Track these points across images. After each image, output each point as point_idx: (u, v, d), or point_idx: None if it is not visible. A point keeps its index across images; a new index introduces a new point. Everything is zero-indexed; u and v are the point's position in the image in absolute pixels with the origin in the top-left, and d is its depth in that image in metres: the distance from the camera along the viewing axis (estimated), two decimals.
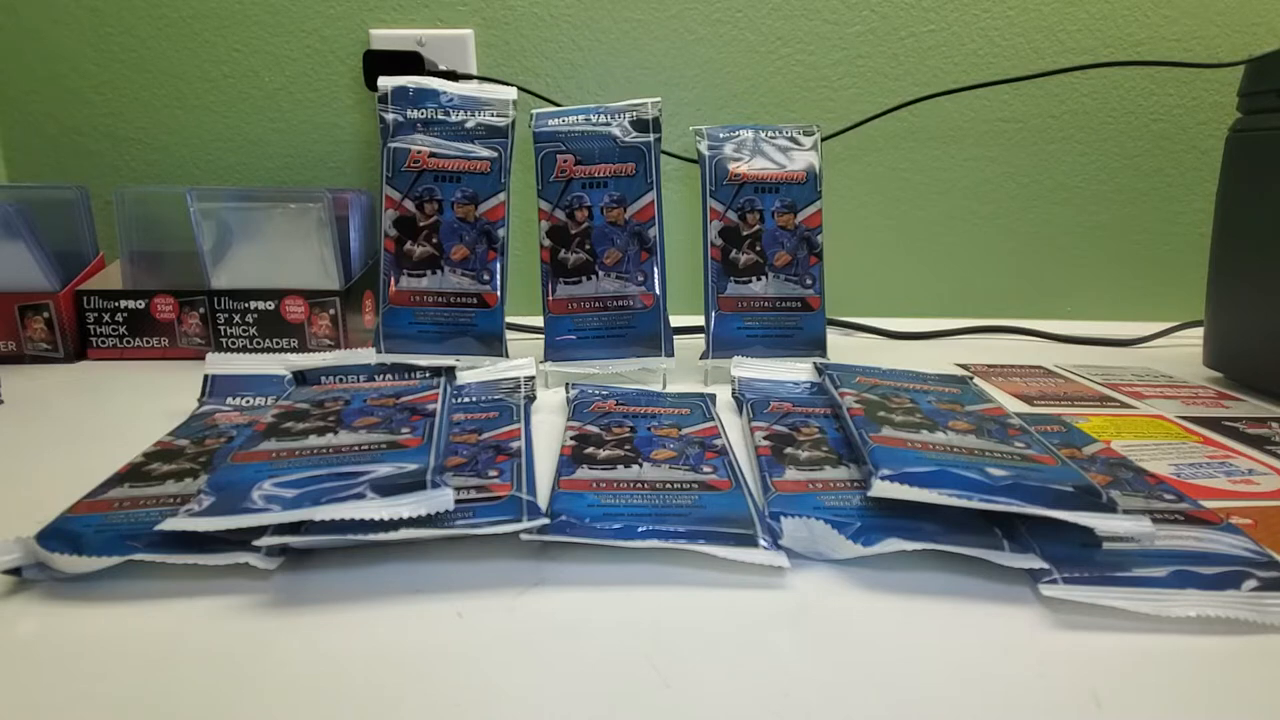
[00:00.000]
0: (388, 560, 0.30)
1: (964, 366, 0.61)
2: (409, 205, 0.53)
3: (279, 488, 0.29)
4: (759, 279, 0.55)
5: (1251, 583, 0.27)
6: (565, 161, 0.53)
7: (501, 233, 0.54)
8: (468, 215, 0.53)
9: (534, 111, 0.55)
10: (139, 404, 0.49)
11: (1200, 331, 0.59)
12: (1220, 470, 0.39)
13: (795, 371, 0.50)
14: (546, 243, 0.53)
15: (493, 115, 0.55)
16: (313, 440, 0.33)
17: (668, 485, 0.33)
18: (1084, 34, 0.74)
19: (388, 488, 0.29)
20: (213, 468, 0.34)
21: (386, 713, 0.22)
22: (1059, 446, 0.38)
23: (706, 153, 0.56)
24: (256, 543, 0.28)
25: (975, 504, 0.29)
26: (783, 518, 0.31)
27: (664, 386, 0.52)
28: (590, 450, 0.37)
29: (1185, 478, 0.38)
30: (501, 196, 0.54)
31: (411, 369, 0.44)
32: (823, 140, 0.59)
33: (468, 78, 0.73)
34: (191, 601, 0.27)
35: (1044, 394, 0.53)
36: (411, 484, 0.29)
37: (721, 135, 0.57)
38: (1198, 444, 0.43)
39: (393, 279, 0.53)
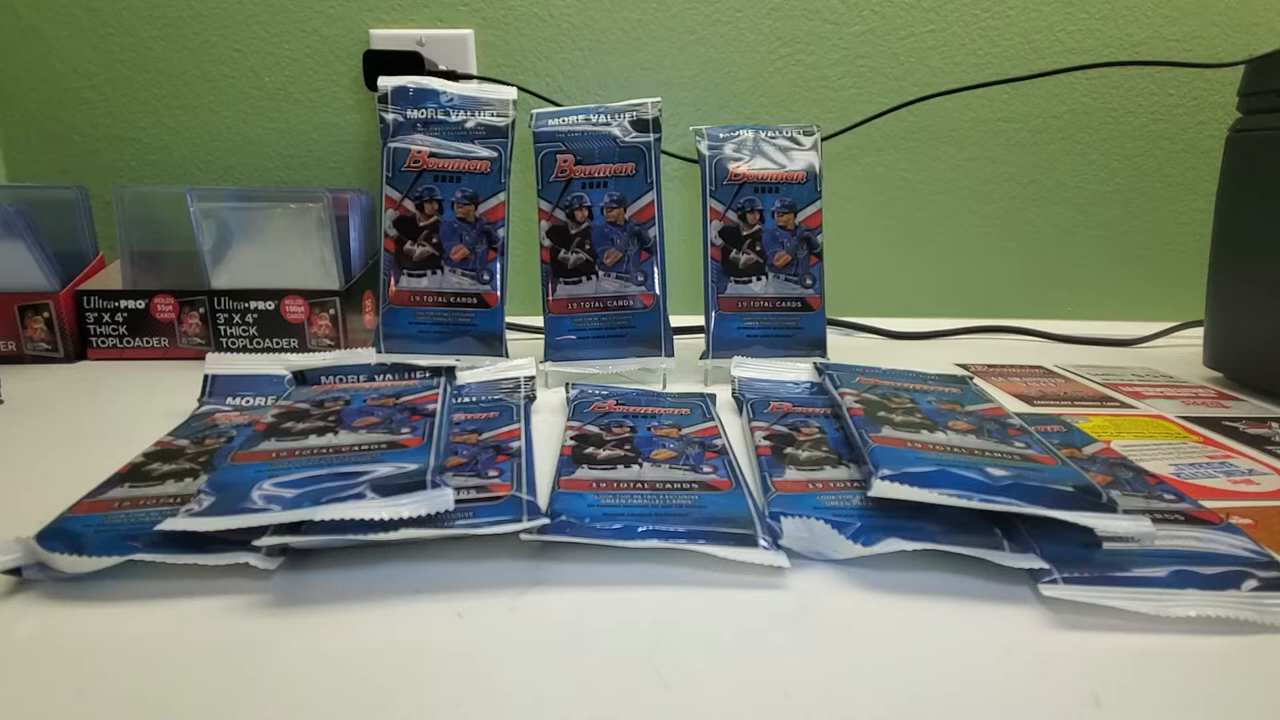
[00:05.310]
0: (388, 560, 0.30)
1: (964, 366, 0.61)
2: (409, 205, 0.53)
3: (279, 488, 0.29)
4: (759, 279, 0.55)
5: (1251, 583, 0.27)
6: (565, 161, 0.53)
7: (501, 233, 0.54)
8: (468, 215, 0.53)
9: (534, 111, 0.55)
10: (139, 404, 0.49)
11: (1200, 331, 0.59)
12: (1220, 470, 0.39)
13: (795, 371, 0.50)
14: (546, 243, 0.53)
15: (493, 115, 0.55)
16: (313, 440, 0.33)
17: (668, 485, 0.33)
18: (1084, 34, 0.74)
19: (388, 488, 0.29)
20: (213, 468, 0.34)
21: (386, 713, 0.22)
22: (1059, 446, 0.38)
23: (706, 153, 0.56)
24: (256, 543, 0.28)
25: (975, 504, 0.29)
26: (783, 518, 0.31)
27: (664, 386, 0.52)
28: (590, 450, 0.37)
29: (1185, 478, 0.38)
30: (501, 196, 0.54)
31: (411, 369, 0.44)
32: (823, 140, 0.59)
33: (468, 78, 0.73)
34: (191, 601, 0.27)
35: (1044, 394, 0.53)
36: (411, 484, 0.29)
37: (721, 135, 0.57)
38: (1198, 444, 0.43)
39: (393, 279, 0.53)
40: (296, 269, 0.60)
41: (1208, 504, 0.34)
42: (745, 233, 0.55)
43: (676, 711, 0.22)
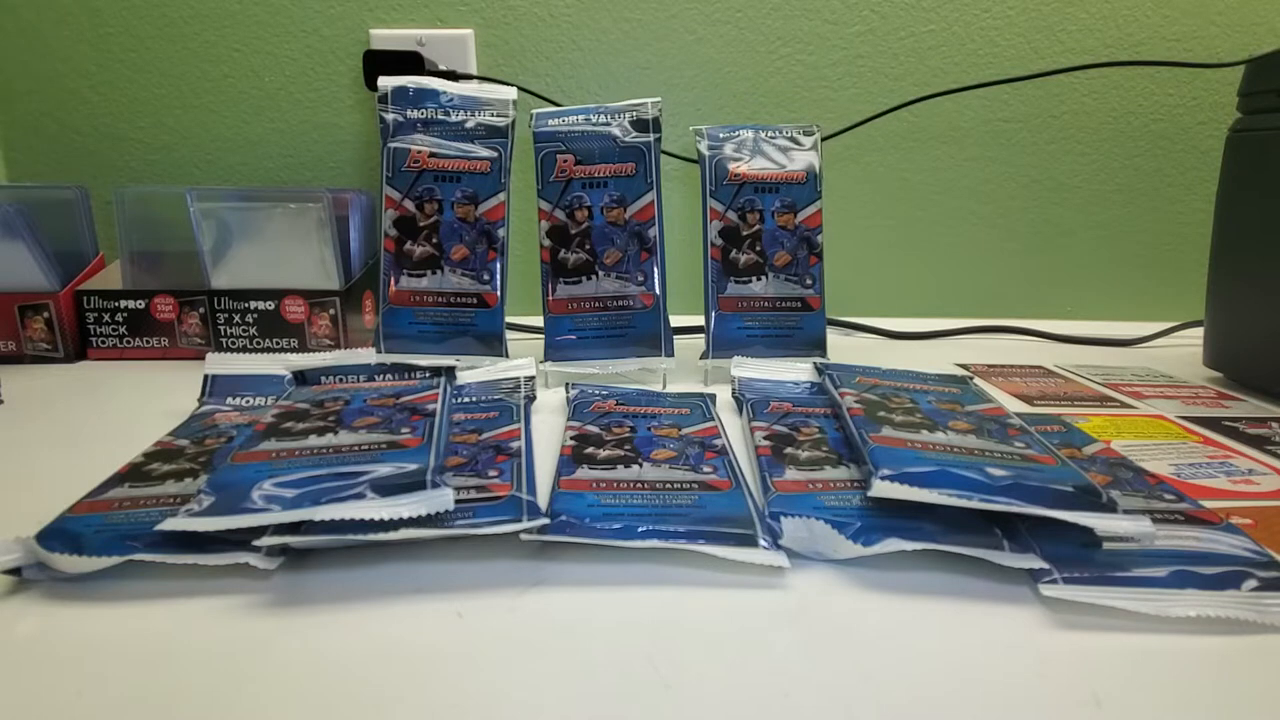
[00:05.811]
0: (388, 560, 0.30)
1: (964, 366, 0.61)
2: (409, 205, 0.53)
3: (279, 488, 0.29)
4: (759, 279, 0.55)
5: (1251, 583, 0.27)
6: (565, 161, 0.53)
7: (501, 233, 0.54)
8: (468, 215, 0.53)
9: (534, 111, 0.55)
10: (139, 404, 0.49)
11: (1200, 331, 0.59)
12: (1220, 470, 0.39)
13: (795, 371, 0.50)
14: (546, 243, 0.53)
15: (493, 115, 0.55)
16: (313, 440, 0.33)
17: (668, 485, 0.33)
18: (1084, 34, 0.74)
19: (388, 488, 0.29)
20: (213, 468, 0.34)
21: (386, 713, 0.22)
22: (1059, 446, 0.38)
23: (706, 153, 0.56)
24: (256, 543, 0.28)
25: (975, 504, 0.29)
26: (783, 518, 0.31)
27: (664, 386, 0.52)
28: (590, 450, 0.37)
29: (1185, 478, 0.38)
30: (501, 196, 0.54)
31: (411, 369, 0.44)
32: (823, 140, 0.59)
33: (468, 78, 0.73)
34: (191, 601, 0.27)
35: (1044, 394, 0.53)
36: (411, 484, 0.29)
37: (721, 135, 0.57)
38: (1198, 444, 0.43)
39: (393, 279, 0.53)
40: (296, 269, 0.60)
41: (1208, 504, 0.34)
42: (745, 233, 0.55)
43: (676, 711, 0.22)
